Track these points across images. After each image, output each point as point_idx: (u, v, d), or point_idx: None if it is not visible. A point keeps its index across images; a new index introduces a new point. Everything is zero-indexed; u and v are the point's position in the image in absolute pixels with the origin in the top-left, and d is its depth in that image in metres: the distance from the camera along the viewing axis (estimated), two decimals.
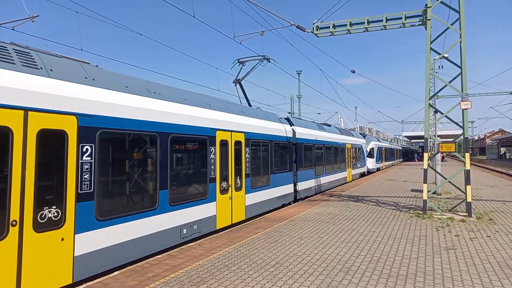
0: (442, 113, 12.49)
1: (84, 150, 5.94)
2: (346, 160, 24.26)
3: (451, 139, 13.52)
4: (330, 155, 20.30)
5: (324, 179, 19.06)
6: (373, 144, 36.31)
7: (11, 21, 13.11)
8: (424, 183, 11.67)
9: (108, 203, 6.32)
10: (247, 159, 11.03)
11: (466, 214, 11.13)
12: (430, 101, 12.57)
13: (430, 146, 21.40)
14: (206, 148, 9.08)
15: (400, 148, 73.02)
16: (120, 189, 6.69)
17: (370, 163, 34.93)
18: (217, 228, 9.45)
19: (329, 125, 23.58)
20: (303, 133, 16.44)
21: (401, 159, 71.64)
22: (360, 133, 38.21)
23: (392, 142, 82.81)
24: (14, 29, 13.27)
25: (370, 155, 35.21)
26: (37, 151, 5.24)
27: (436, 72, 21.67)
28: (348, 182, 24.42)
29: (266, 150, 12.55)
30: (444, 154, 21.72)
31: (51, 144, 5.53)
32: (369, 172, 34.17)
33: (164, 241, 7.58)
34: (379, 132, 72.62)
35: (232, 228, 9.94)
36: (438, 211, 11.60)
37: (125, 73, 7.83)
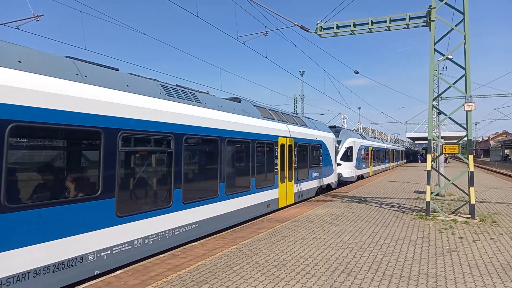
0: (445, 115, 12.45)
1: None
2: (279, 167, 13.20)
3: (455, 141, 13.45)
4: (213, 160, 9.64)
5: (184, 217, 8.32)
6: (351, 142, 25.85)
7: (16, 20, 13.20)
8: (427, 184, 11.64)
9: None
10: None
11: (470, 216, 11.09)
12: (434, 103, 12.52)
13: (434, 148, 21.32)
14: None
15: (399, 148, 61.91)
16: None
17: (346, 169, 24.69)
18: None
19: (238, 100, 12.18)
20: (66, 96, 5.74)
21: (400, 162, 60.01)
22: (334, 127, 26.75)
23: (396, 142, 75.91)
24: (18, 28, 13.35)
25: (347, 157, 24.99)
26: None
27: (440, 74, 21.63)
28: (282, 208, 13.45)
29: None
30: (447, 155, 20.63)
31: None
32: (344, 183, 24.14)
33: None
34: (382, 133, 71.93)
35: (234, 228, 9.95)
36: (442, 213, 11.56)
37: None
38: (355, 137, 27.55)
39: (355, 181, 25.94)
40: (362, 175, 28.79)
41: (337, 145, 21.21)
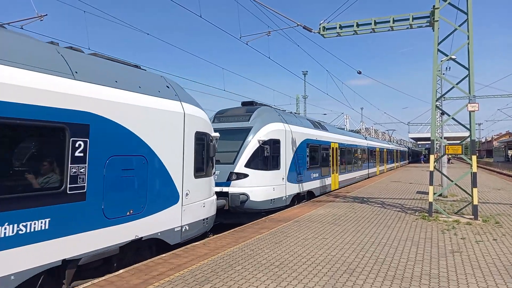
0: (449, 115, 12.41)
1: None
2: None
3: (458, 141, 13.33)
4: None
5: None
6: (275, 131, 13.59)
7: (20, 20, 13.26)
8: (430, 185, 11.61)
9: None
10: None
11: (472, 217, 11.05)
12: (437, 103, 12.48)
13: (437, 148, 21.19)
14: None
15: (393, 147, 49.48)
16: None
17: (261, 185, 12.54)
18: None
19: None
20: None
21: (393, 164, 47.85)
22: (251, 104, 15.00)
23: (391, 141, 64.11)
24: (22, 28, 13.42)
25: (263, 161, 12.83)
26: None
27: (443, 74, 21.56)
28: None
29: None
30: (450, 156, 20.05)
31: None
32: (252, 213, 12.27)
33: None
34: (385, 133, 71.65)
35: (236, 228, 9.97)
36: (444, 213, 11.53)
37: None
38: (289, 123, 14.87)
39: (288, 206, 13.64)
40: (310, 191, 16.37)
41: (216, 134, 9.79)
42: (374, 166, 33.63)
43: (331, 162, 19.60)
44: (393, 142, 65.56)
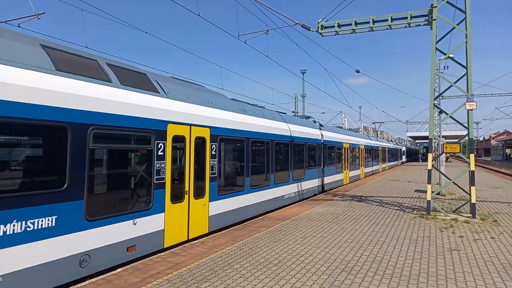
0: (447, 114, 12.43)
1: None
2: None
3: (456, 140, 13.38)
4: None
5: None
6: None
7: (17, 18, 13.19)
8: (428, 183, 11.63)
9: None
10: None
11: (470, 215, 11.08)
12: (435, 101, 12.51)
13: (435, 147, 21.15)
14: None
15: (376, 144, 35.46)
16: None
17: None
18: None
19: None
20: None
21: (376, 165, 34.92)
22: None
23: (378, 136, 55.50)
24: (20, 26, 13.34)
25: None
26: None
27: (441, 73, 21.58)
28: None
29: None
30: (448, 154, 19.96)
31: None
32: None
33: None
34: (383, 132, 71.70)
35: (235, 227, 9.96)
36: (442, 212, 11.55)
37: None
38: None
39: None
40: None
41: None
42: (339, 171, 21.81)
43: (174, 176, 7.99)
44: (380, 138, 56.61)
